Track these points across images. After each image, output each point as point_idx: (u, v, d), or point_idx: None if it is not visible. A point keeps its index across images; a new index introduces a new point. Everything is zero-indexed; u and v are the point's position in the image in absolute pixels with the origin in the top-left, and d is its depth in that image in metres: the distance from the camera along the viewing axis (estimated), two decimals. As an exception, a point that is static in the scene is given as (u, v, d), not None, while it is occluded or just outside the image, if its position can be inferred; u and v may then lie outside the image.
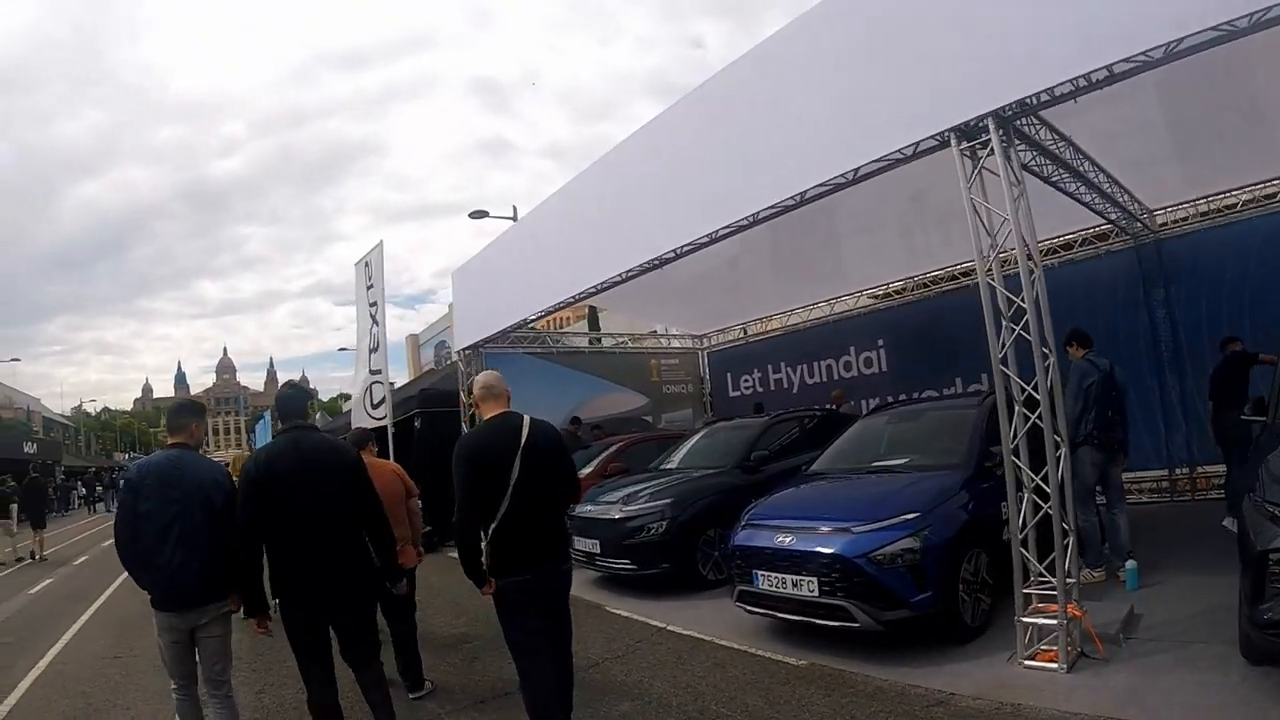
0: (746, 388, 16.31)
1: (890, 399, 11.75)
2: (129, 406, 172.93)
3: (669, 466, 9.98)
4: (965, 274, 11.87)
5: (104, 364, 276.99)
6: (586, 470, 11.40)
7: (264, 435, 55.98)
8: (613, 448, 12.23)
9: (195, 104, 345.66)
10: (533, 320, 12.47)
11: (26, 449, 38.36)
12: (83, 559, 17.95)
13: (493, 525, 3.98)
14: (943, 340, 11.87)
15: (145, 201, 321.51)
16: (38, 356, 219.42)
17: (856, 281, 13.60)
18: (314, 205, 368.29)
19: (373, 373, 14.22)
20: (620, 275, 9.46)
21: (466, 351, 13.66)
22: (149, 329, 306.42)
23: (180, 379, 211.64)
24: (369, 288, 14.37)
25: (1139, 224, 9.68)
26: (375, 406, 14.12)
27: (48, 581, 14.38)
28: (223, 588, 4.31)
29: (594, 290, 10.47)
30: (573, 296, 10.95)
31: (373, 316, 14.27)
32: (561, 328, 16.29)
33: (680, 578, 8.26)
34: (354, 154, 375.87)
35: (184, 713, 4.46)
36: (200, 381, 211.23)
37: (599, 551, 8.43)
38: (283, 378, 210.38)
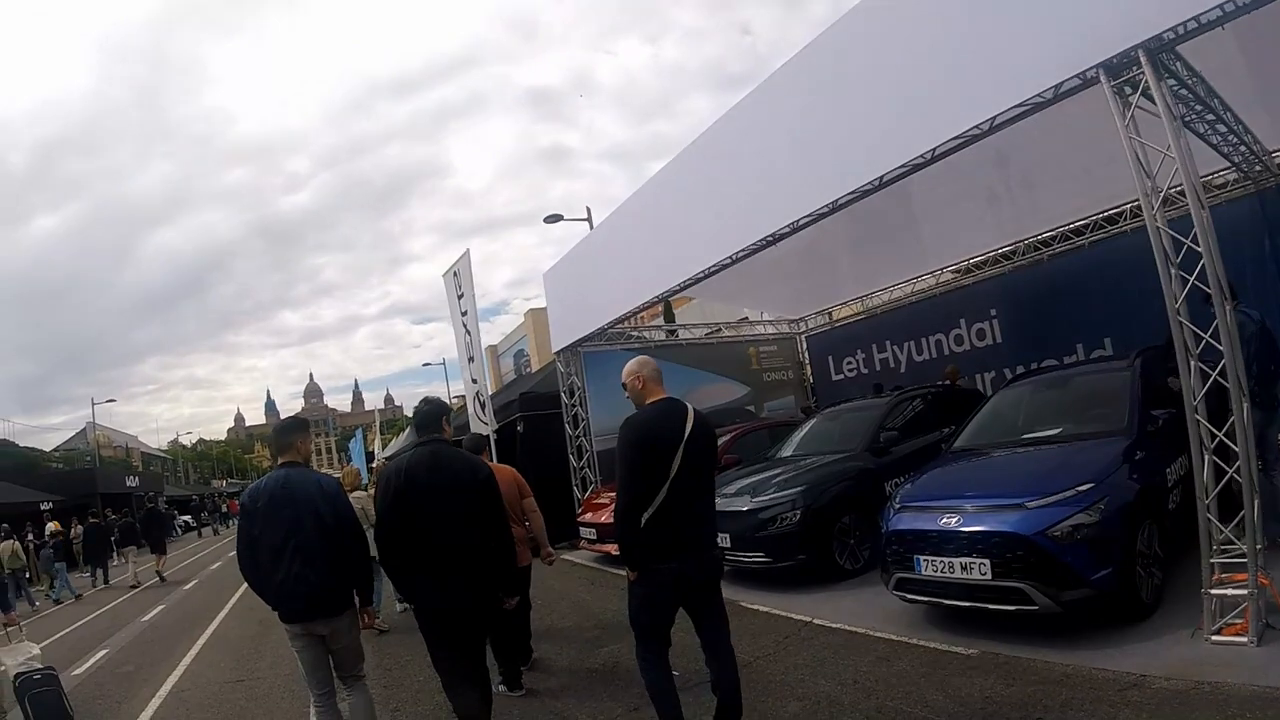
0: (850, 370, 15.78)
1: (1010, 372, 11.35)
2: (223, 436, 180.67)
3: (787, 454, 9.65)
4: (1077, 232, 11.29)
5: (196, 398, 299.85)
6: None
7: (357, 452, 57.18)
8: (724, 439, 11.88)
9: (259, 145, 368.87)
10: (629, 315, 12.27)
11: (129, 483, 39.64)
12: (193, 583, 19.47)
13: (647, 512, 3.94)
14: (1062, 305, 11.27)
15: (221, 242, 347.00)
16: (133, 396, 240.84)
17: (964, 249, 13.00)
18: (382, 229, 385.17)
19: (474, 381, 14.16)
20: (730, 257, 9.17)
21: (565, 352, 13.48)
22: (236, 361, 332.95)
23: (270, 406, 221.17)
24: (459, 297, 14.31)
25: (1260, 166, 8.97)
26: (483, 411, 14.09)
27: (161, 608, 14.87)
28: (343, 597, 4.50)
29: (690, 281, 10.21)
30: (670, 289, 10.78)
31: (465, 326, 14.23)
32: (639, 324, 16.04)
33: (814, 569, 7.94)
34: (416, 176, 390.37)
35: None
36: (289, 407, 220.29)
37: (729, 545, 8.06)
38: (368, 398, 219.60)
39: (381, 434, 73.40)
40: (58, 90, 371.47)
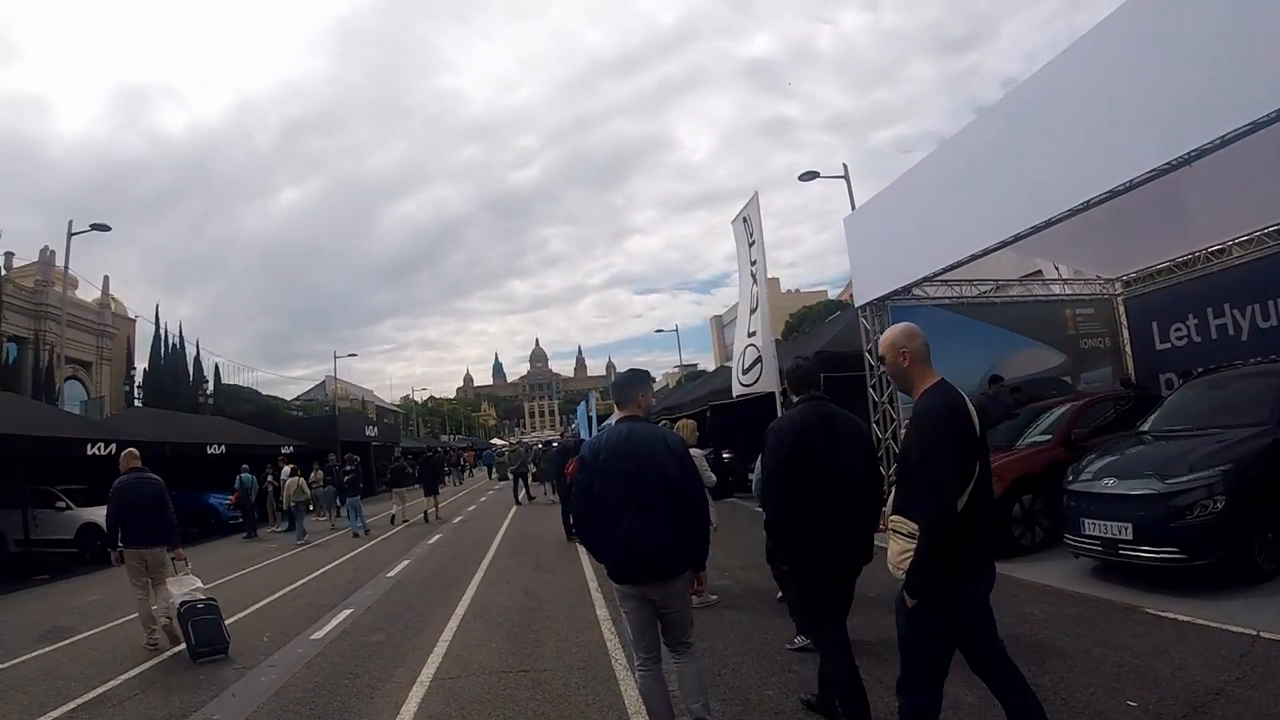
0: (1179, 338, 13.24)
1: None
2: (452, 395, 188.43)
3: (1160, 429, 8.09)
4: None
5: (428, 358, 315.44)
6: (1042, 439, 9.80)
7: (581, 417, 58.11)
8: (1069, 411, 10.27)
9: (489, 124, 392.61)
10: (949, 269, 10.77)
11: (368, 433, 41.70)
12: (458, 519, 21.98)
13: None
14: None
15: (454, 214, 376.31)
16: (370, 355, 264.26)
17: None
18: (607, 203, 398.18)
19: (749, 335, 13.03)
20: (1084, 202, 7.58)
21: (870, 307, 12.14)
22: (467, 326, 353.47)
23: (498, 368, 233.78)
24: (750, 244, 13.16)
25: None
26: (745, 371, 12.90)
27: (405, 562, 14.49)
28: (683, 559, 4.25)
29: (1029, 231, 8.63)
30: (990, 245, 9.28)
31: (753, 275, 13.10)
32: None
33: (1229, 569, 6.39)
34: (639, 151, 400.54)
35: (649, 689, 4.31)
36: (516, 370, 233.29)
37: (1129, 537, 6.66)
38: (591, 364, 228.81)
39: (602, 399, 74.56)
40: (299, 73, 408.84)
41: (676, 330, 60.02)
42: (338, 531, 20.69)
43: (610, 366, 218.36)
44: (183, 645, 7.74)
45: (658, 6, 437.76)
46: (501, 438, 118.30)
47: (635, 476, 4.13)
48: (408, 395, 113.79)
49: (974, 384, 12.56)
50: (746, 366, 12.87)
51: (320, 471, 22.79)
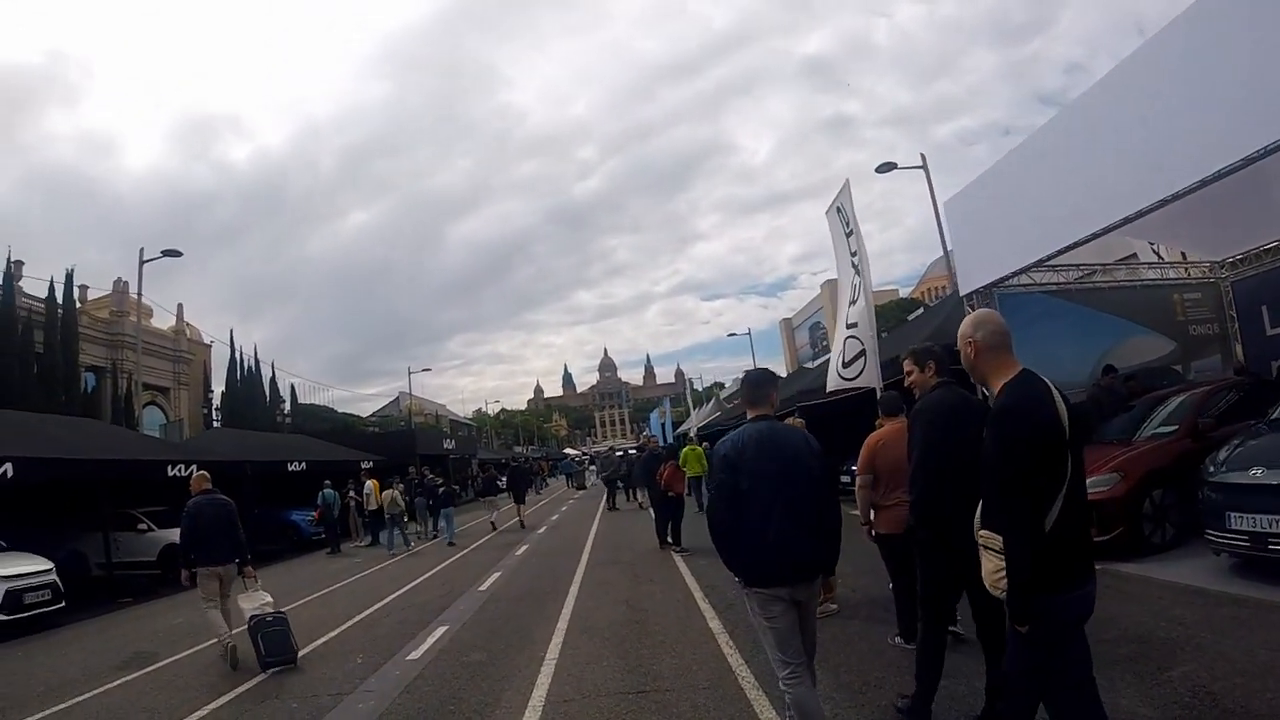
0: None
1: None
2: (523, 406, 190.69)
3: None
4: None
5: (498, 372, 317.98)
6: (1165, 431, 9.10)
7: (655, 425, 57.79)
8: (1191, 400, 9.55)
9: (550, 137, 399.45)
10: (1056, 254, 9.95)
11: (446, 445, 41.99)
12: (543, 529, 22.03)
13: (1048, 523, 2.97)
14: None
15: (519, 228, 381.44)
16: (441, 371, 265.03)
17: None
18: (669, 210, 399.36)
19: (848, 326, 12.25)
20: (1197, 182, 6.95)
21: (976, 295, 11.33)
22: (535, 338, 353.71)
23: (567, 379, 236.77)
24: (848, 234, 12.40)
25: None
26: (846, 365, 12.13)
27: (497, 574, 13.95)
28: (828, 558, 4.21)
29: (1134, 215, 7.99)
30: (1111, 223, 8.48)
31: (854, 266, 12.32)
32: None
33: None
34: (700, 156, 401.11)
35: (802, 700, 4.00)
36: (585, 380, 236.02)
37: None
38: (659, 372, 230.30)
39: (673, 406, 74.36)
40: (360, 99, 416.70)
41: (750, 334, 58.99)
42: (426, 542, 21.24)
43: (679, 373, 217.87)
44: (262, 674, 7.73)
45: (711, 10, 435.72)
46: (574, 447, 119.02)
47: (783, 475, 3.98)
48: (480, 408, 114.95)
49: (1086, 373, 11.92)
50: (848, 360, 12.10)
51: (402, 485, 22.56)
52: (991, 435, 3.09)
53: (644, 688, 6.01)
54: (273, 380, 51.15)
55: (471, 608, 10.30)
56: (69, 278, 34.48)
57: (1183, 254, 14.48)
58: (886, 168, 23.83)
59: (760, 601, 4.05)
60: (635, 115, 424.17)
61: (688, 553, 13.02)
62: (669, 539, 14.08)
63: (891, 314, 65.03)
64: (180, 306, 47.03)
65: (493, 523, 22.79)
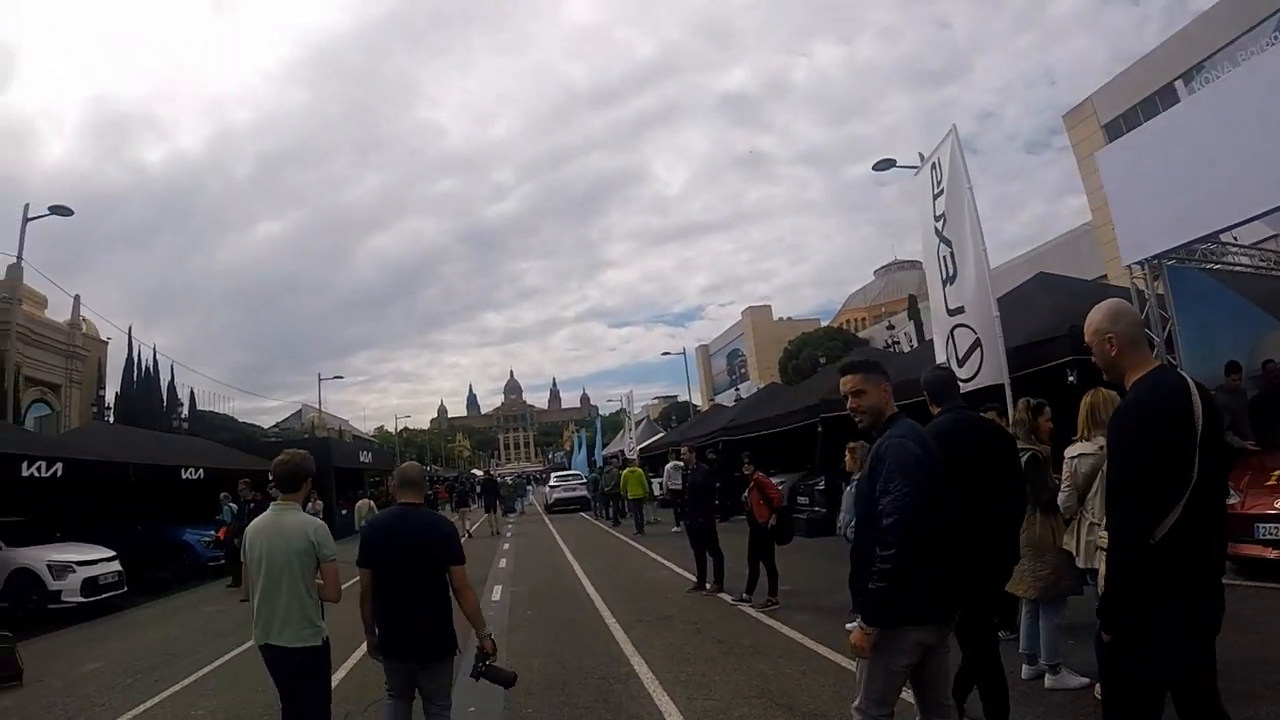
0: None
1: None
2: (426, 425, 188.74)
3: None
4: None
5: (402, 390, 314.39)
6: None
7: (581, 456, 54.92)
8: None
9: (466, 158, 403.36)
10: (1231, 228, 8.56)
11: (363, 458, 39.41)
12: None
13: (1161, 529, 2.68)
14: None
15: (430, 247, 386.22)
16: (344, 387, 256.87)
17: None
18: (582, 236, 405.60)
19: (951, 313, 9.49)
20: None
21: (1142, 265, 9.05)
22: (440, 358, 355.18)
23: (472, 400, 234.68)
24: (937, 195, 9.67)
25: None
26: (962, 362, 9.32)
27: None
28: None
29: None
30: None
31: (939, 234, 9.59)
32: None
33: None
34: (614, 184, 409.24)
35: None
36: (490, 402, 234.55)
37: None
38: (565, 397, 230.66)
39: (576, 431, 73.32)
40: (277, 106, 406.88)
41: (685, 353, 56.89)
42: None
43: (584, 398, 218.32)
44: None
45: (637, 39, 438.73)
46: (479, 468, 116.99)
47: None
48: (382, 426, 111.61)
49: (1250, 370, 9.82)
50: (962, 356, 9.25)
51: (321, 502, 18.83)
52: (1110, 437, 2.97)
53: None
54: (171, 384, 47.28)
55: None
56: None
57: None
58: (884, 165, 22.31)
59: (899, 643, 3.34)
60: (554, 140, 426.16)
61: (777, 606, 9.25)
62: (744, 591, 9.86)
63: (819, 342, 63.84)
64: (77, 299, 42.10)
65: (469, 533, 23.29)
